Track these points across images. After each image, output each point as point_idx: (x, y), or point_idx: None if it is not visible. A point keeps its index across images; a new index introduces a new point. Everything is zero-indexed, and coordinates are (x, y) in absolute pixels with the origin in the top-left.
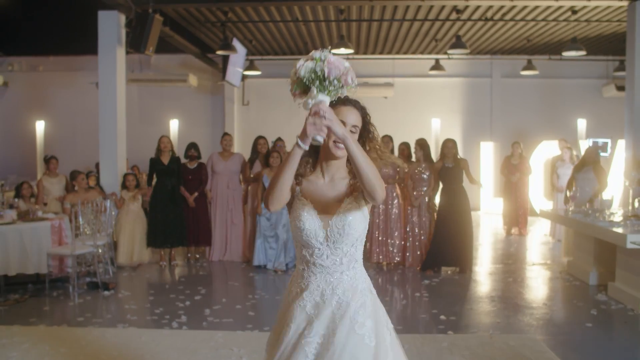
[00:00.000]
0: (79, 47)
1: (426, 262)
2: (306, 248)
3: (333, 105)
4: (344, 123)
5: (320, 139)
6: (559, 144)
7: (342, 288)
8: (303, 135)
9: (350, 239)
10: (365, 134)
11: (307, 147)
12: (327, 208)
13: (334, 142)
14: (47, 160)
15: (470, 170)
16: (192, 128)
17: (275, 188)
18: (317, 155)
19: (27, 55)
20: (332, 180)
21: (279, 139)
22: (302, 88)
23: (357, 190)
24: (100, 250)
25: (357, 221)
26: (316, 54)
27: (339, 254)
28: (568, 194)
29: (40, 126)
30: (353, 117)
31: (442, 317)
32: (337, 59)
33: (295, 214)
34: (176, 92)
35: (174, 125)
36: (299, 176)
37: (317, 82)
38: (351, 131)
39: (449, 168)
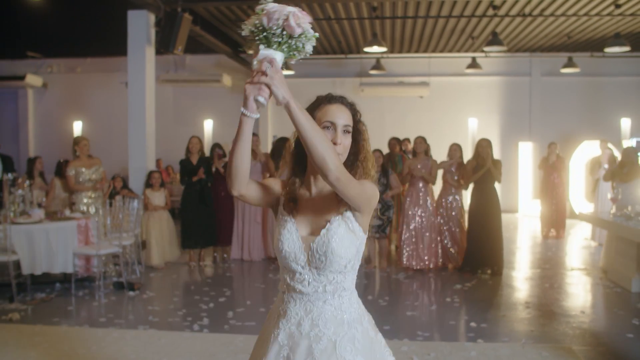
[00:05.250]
0: (115, 49)
1: (464, 264)
2: (286, 271)
3: (319, 105)
4: (333, 125)
5: (263, 100)
6: (600, 144)
7: (324, 319)
8: (245, 100)
9: (336, 266)
10: (358, 135)
11: (252, 114)
12: (311, 227)
13: None
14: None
15: (508, 171)
16: (226, 128)
17: (230, 166)
18: (304, 168)
19: (65, 57)
20: (319, 193)
21: None
22: (255, 48)
23: (346, 206)
24: (127, 250)
25: (345, 246)
26: (259, 7)
27: (322, 281)
28: (609, 195)
29: (77, 127)
30: (343, 115)
31: (473, 324)
32: (277, 6)
33: (276, 232)
34: (210, 93)
35: (208, 125)
36: (291, 199)
37: (261, 36)
38: (345, 131)
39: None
